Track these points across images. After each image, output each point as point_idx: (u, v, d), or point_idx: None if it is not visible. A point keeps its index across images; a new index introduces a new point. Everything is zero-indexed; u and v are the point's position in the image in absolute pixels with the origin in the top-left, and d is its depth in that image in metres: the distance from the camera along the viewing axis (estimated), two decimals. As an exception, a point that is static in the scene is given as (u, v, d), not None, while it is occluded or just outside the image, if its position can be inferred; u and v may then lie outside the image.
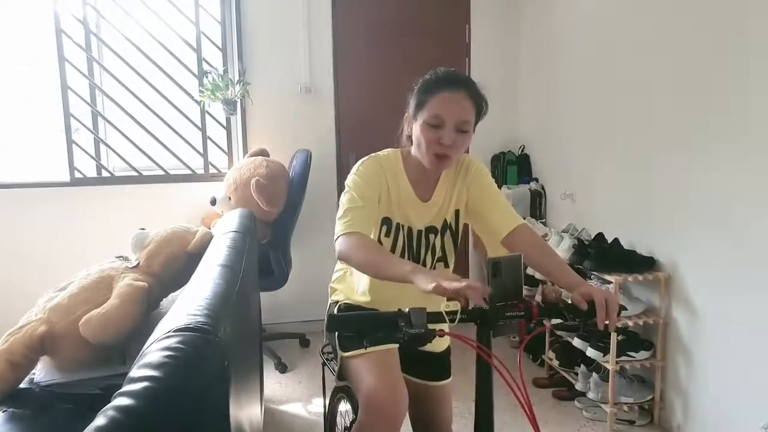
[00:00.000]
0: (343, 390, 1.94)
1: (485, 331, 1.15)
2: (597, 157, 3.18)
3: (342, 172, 3.88)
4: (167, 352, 1.04)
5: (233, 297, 1.46)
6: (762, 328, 2.15)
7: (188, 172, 3.68)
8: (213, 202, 3.27)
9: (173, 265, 2.31)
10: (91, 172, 3.60)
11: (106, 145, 3.61)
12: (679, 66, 2.52)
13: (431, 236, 1.59)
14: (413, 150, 1.53)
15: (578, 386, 2.85)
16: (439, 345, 1.66)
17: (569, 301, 1.20)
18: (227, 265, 1.69)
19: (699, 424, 2.48)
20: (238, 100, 3.60)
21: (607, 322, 1.16)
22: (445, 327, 1.15)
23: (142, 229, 2.42)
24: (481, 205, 1.58)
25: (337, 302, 1.65)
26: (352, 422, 1.79)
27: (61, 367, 2.11)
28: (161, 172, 3.63)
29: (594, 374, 2.76)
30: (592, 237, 2.97)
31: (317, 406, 2.92)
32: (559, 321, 1.19)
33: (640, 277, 2.61)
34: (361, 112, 3.86)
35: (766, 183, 2.10)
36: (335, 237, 1.45)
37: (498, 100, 3.99)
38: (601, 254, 2.72)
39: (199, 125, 3.66)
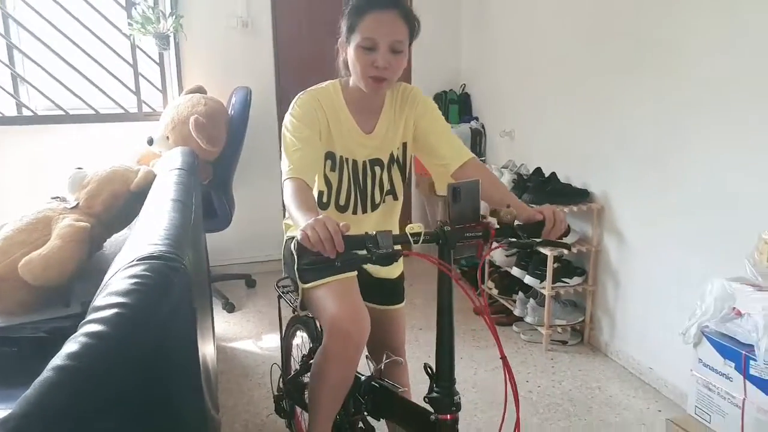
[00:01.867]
0: (299, 321, 1.99)
1: (446, 251, 1.22)
2: (535, 96, 3.27)
3: (282, 110, 3.80)
4: (135, 280, 1.03)
5: (190, 229, 1.44)
6: (679, 254, 2.34)
7: (120, 111, 3.50)
8: (150, 141, 3.14)
9: (116, 205, 2.24)
10: (11, 111, 3.36)
11: (26, 81, 3.36)
12: (616, 5, 2.60)
13: (377, 169, 1.59)
14: (351, 78, 1.50)
15: (516, 312, 3.04)
16: (393, 272, 1.73)
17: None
18: (179, 199, 1.66)
19: (623, 340, 2.72)
20: (171, 35, 3.42)
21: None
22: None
23: (79, 168, 2.31)
24: (430, 138, 1.57)
25: (293, 237, 1.65)
26: (311, 350, 1.85)
27: (3, 311, 2.04)
28: (91, 112, 3.43)
29: (531, 300, 2.95)
30: (531, 172, 3.10)
31: (267, 341, 2.97)
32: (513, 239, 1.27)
33: (575, 208, 2.77)
34: (302, 47, 3.75)
35: (690, 119, 2.24)
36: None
37: (440, 39, 4.02)
38: (539, 187, 2.85)
39: (130, 61, 3.47)
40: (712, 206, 2.16)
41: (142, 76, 3.52)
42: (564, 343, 2.93)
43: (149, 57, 3.52)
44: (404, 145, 1.61)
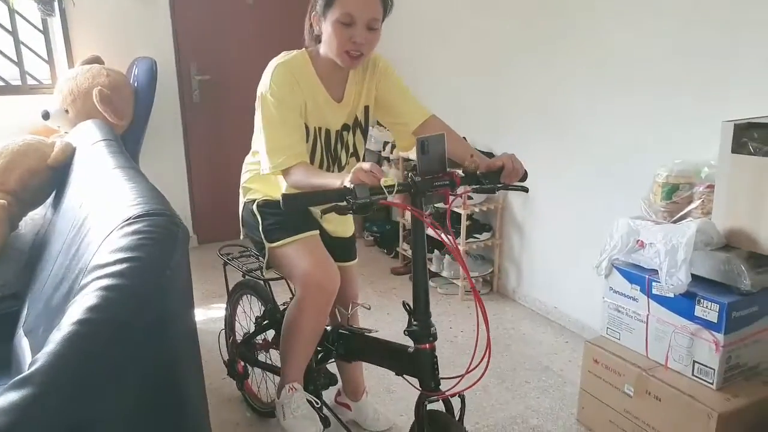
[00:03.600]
0: (247, 285, 2.02)
1: (417, 199, 1.34)
2: (439, 65, 3.47)
3: (182, 82, 3.67)
4: (140, 236, 1.04)
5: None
6: (574, 206, 2.67)
7: (0, 83, 3.18)
8: (45, 116, 2.90)
9: (32, 181, 2.10)
10: None
11: None
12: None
13: (345, 134, 1.66)
14: (322, 49, 1.53)
15: (433, 268, 3.26)
16: (348, 231, 1.83)
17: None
18: (126, 166, 1.63)
19: (529, 286, 3.04)
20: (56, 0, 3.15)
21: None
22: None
23: (-17, 142, 2.12)
24: (392, 100, 1.66)
25: (254, 200, 1.67)
26: (265, 311, 1.90)
27: None
28: (-36, 84, 3.10)
29: (446, 256, 3.18)
30: (440, 137, 3.30)
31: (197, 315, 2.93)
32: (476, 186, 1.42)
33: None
34: (202, 16, 3.63)
35: (585, 85, 2.54)
36: (272, 169, 1.47)
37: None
38: (450, 151, 3.06)
39: (9, 28, 3.15)
40: (608, 161, 2.48)
41: (24, 44, 3.22)
42: (477, 293, 3.20)
43: (31, 24, 3.22)
44: (366, 108, 1.68)
